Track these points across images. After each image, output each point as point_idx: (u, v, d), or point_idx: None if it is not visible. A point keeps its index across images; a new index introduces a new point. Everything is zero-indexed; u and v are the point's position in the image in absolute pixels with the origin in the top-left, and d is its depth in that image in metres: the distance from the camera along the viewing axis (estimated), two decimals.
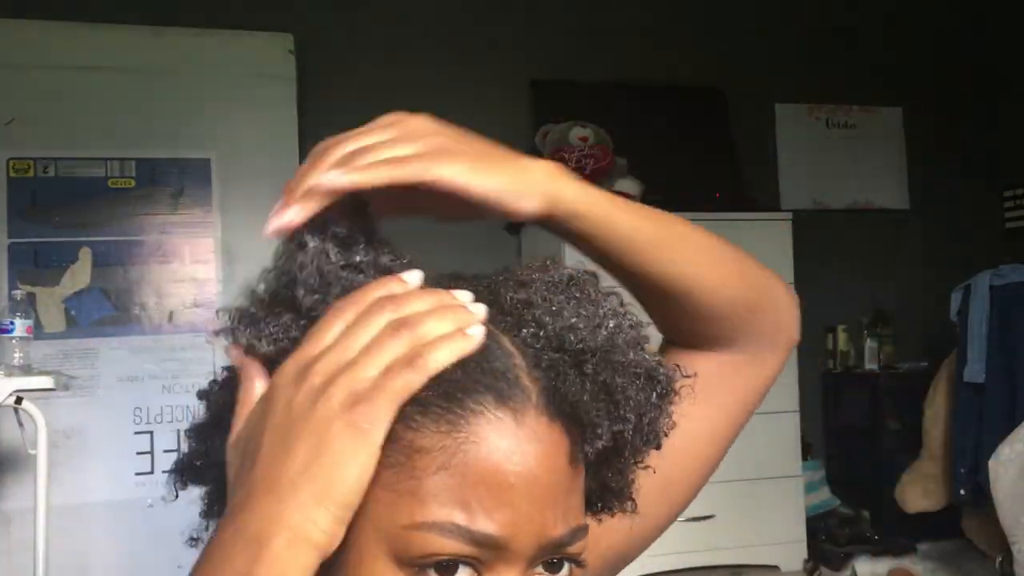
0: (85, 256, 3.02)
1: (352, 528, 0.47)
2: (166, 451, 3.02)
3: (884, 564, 3.39)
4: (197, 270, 3.11)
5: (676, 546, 3.06)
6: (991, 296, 3.28)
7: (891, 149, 4.22)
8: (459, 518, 0.48)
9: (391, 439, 0.47)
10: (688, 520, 3.15)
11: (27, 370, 2.33)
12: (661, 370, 0.55)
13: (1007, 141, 4.28)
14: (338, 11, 3.57)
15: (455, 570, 0.49)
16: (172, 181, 3.12)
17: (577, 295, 0.55)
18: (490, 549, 0.49)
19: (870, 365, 3.86)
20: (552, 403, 0.51)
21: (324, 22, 3.51)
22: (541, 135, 3.50)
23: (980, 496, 3.07)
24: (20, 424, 2.31)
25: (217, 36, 3.18)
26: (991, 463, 2.79)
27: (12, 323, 2.35)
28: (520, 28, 3.78)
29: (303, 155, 3.41)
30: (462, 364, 0.48)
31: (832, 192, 4.12)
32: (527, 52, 3.76)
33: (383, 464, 0.47)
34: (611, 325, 0.54)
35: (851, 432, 3.96)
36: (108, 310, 3.03)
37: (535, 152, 3.52)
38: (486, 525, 0.48)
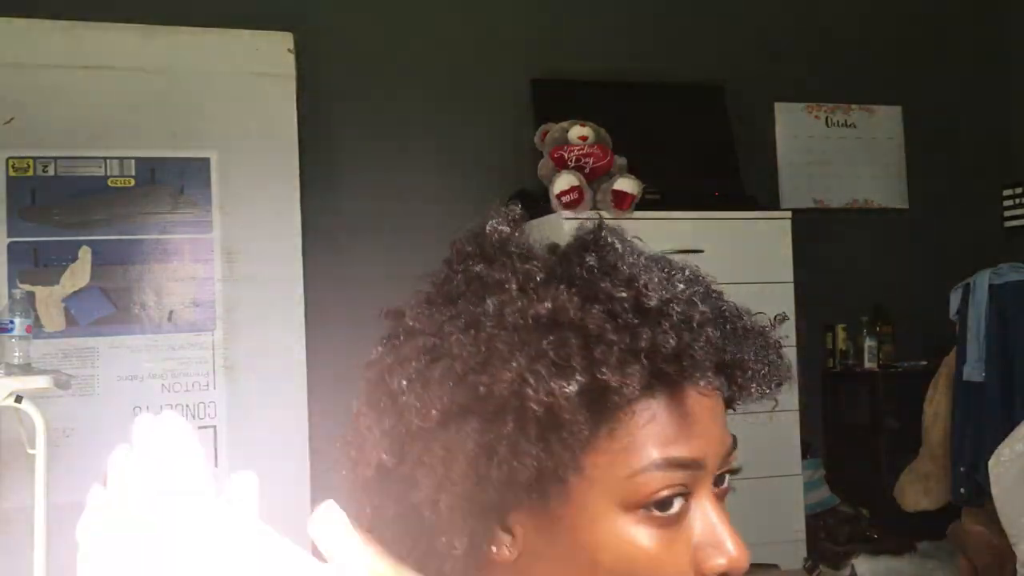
0: (85, 255, 3.02)
1: (574, 493, 0.58)
2: None
3: (883, 562, 3.39)
4: (197, 269, 3.11)
5: None
6: (990, 295, 3.28)
7: (891, 148, 4.22)
8: (677, 451, 0.58)
9: (609, 411, 0.56)
10: None
11: (26, 369, 2.33)
12: (767, 328, 0.67)
13: (1006, 140, 4.29)
14: (338, 10, 3.57)
15: (671, 503, 0.58)
16: (172, 180, 3.12)
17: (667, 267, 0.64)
18: (693, 471, 0.59)
19: (869, 364, 3.86)
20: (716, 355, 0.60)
21: (324, 21, 3.51)
22: (541, 134, 3.50)
23: (979, 495, 3.07)
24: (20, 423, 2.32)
25: (217, 35, 3.17)
26: (991, 464, 2.79)
27: (12, 322, 2.35)
28: (520, 28, 3.78)
29: (303, 153, 3.43)
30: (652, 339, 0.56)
31: (832, 191, 4.12)
32: (527, 52, 3.76)
33: (598, 434, 0.57)
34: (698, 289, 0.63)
35: (851, 431, 3.96)
36: (108, 309, 3.03)
37: (535, 152, 3.52)
38: (695, 451, 0.59)
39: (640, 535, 0.58)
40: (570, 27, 3.83)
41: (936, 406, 3.48)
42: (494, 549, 0.60)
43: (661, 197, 3.37)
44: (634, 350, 0.55)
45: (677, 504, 0.59)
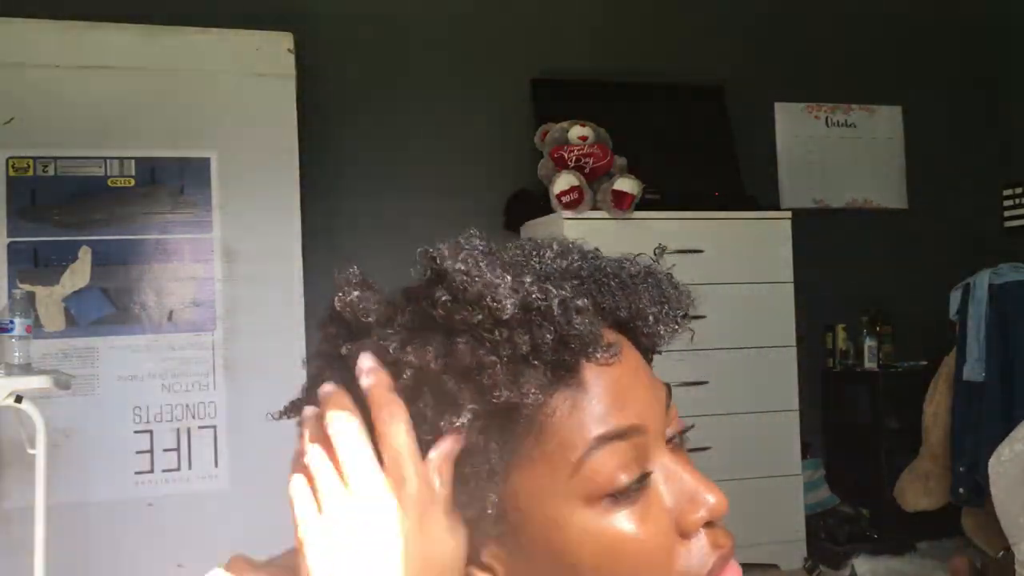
0: (85, 255, 3.02)
1: (532, 510, 0.56)
2: (166, 450, 3.02)
3: (883, 562, 3.39)
4: (197, 269, 3.11)
5: None
6: (990, 295, 3.28)
7: (891, 148, 4.22)
8: (605, 428, 0.56)
9: (526, 423, 0.55)
10: None
11: (26, 369, 2.33)
12: (653, 266, 0.66)
13: (1006, 140, 4.29)
14: (338, 10, 3.57)
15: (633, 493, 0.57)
16: (172, 180, 3.12)
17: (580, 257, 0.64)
18: (635, 438, 0.57)
19: (869, 364, 3.86)
20: (606, 318, 0.61)
21: (324, 21, 3.51)
22: (541, 134, 3.50)
23: (979, 494, 3.07)
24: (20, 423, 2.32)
25: (217, 35, 3.17)
26: (991, 464, 2.79)
27: (12, 322, 2.35)
28: (520, 28, 3.78)
29: (303, 153, 3.43)
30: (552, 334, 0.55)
31: (832, 191, 4.12)
32: (527, 52, 3.76)
33: (523, 449, 0.56)
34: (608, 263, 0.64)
35: (850, 431, 3.96)
36: (108, 309, 3.03)
37: (535, 151, 3.52)
38: (624, 419, 0.57)
39: (611, 522, 0.56)
40: (570, 27, 3.83)
41: (936, 406, 3.48)
42: None
43: (661, 197, 3.37)
44: (516, 358, 0.54)
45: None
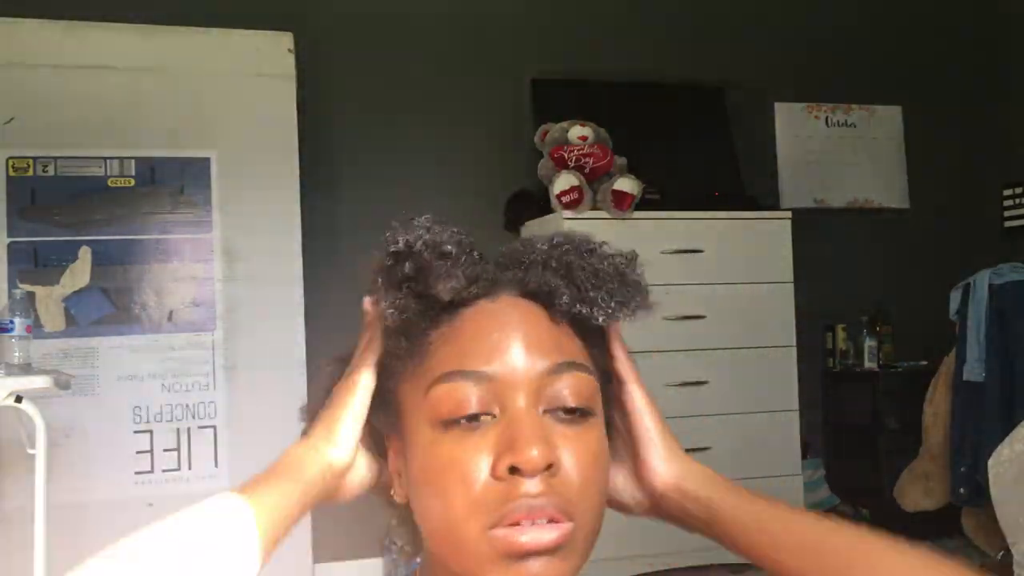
0: (85, 255, 3.02)
1: (407, 424, 0.67)
2: (166, 450, 3.02)
3: None
4: (197, 269, 3.11)
5: (676, 544, 3.06)
6: (990, 295, 3.28)
7: (891, 148, 4.23)
8: (458, 365, 0.64)
9: (412, 349, 0.66)
10: None
11: (26, 369, 2.33)
12: (618, 259, 0.70)
13: (1006, 140, 4.29)
14: (338, 10, 3.57)
15: (476, 419, 0.63)
16: (172, 180, 3.12)
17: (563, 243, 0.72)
18: (491, 386, 0.63)
19: (869, 364, 3.86)
20: (519, 286, 0.68)
21: (324, 21, 3.51)
22: (541, 134, 3.50)
23: (979, 495, 3.07)
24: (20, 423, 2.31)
25: (217, 35, 3.17)
26: (991, 464, 2.79)
27: (12, 322, 2.35)
28: (520, 28, 3.78)
29: (303, 153, 3.42)
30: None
31: (832, 191, 4.13)
32: (527, 52, 3.76)
33: (406, 371, 0.67)
34: (569, 246, 0.71)
35: (850, 431, 3.96)
36: (108, 309, 3.03)
37: (535, 151, 3.52)
38: (479, 365, 0.64)
39: (438, 444, 0.63)
40: (570, 27, 3.83)
41: (936, 406, 3.48)
42: (392, 491, 0.70)
43: (661, 197, 3.37)
44: (391, 282, 0.66)
45: (482, 419, 0.63)
